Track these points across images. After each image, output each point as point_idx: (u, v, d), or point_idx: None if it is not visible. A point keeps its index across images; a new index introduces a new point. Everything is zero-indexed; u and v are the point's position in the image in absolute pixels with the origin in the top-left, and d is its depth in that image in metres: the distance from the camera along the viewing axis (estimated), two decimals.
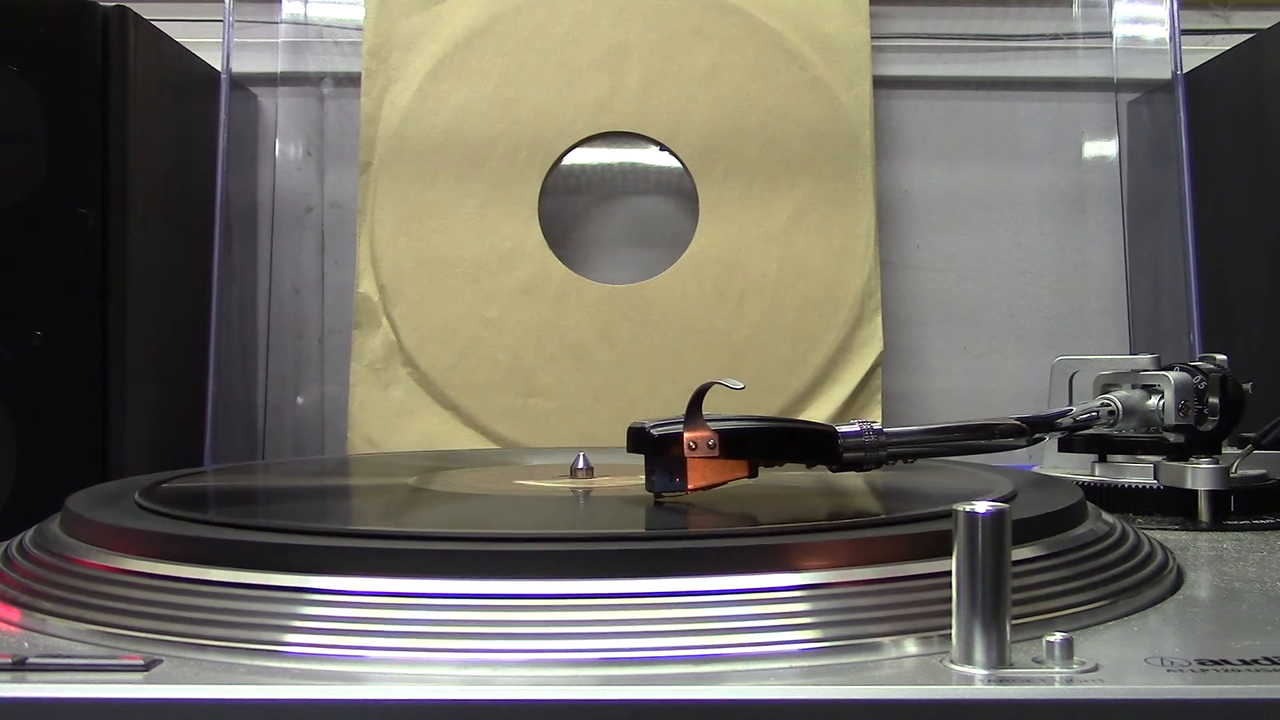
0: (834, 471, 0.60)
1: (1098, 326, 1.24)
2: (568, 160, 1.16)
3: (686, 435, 0.57)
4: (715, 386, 0.58)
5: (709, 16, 1.15)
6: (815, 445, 0.59)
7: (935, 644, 0.43)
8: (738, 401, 0.61)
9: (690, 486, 0.57)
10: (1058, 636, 0.41)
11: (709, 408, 0.58)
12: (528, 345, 1.12)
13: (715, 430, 0.57)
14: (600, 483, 0.67)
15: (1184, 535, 0.67)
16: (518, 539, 0.47)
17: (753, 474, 0.59)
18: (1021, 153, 1.26)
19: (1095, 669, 0.40)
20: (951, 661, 0.41)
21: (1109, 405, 0.72)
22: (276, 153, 1.23)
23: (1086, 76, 1.24)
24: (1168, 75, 1.17)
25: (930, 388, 1.25)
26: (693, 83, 1.14)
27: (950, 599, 0.41)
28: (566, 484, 0.68)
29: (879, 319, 1.14)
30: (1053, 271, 1.25)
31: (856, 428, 0.60)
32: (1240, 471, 0.71)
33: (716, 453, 0.57)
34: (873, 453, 0.60)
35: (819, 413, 1.12)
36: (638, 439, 0.58)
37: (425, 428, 1.12)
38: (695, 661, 0.41)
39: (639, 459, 0.58)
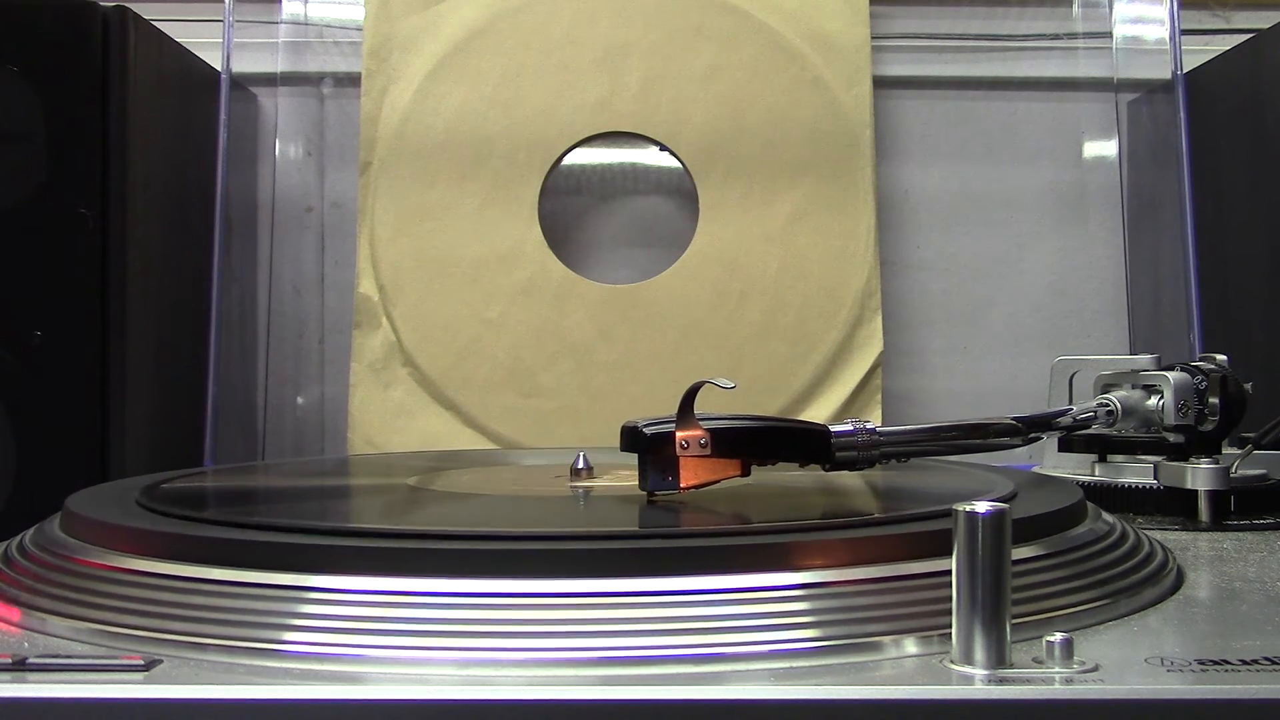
0: (827, 470, 0.60)
1: (1098, 326, 1.24)
2: (568, 160, 1.16)
3: (678, 434, 0.57)
4: (707, 386, 0.58)
5: (709, 16, 1.15)
6: (808, 444, 0.60)
7: (935, 644, 0.43)
8: (736, 401, 0.61)
9: (683, 485, 0.57)
10: (1058, 636, 0.41)
11: (709, 408, 0.58)
12: (528, 345, 1.12)
13: (707, 429, 0.57)
14: (600, 482, 0.67)
15: (1184, 535, 0.67)
16: (517, 538, 0.47)
17: (745, 473, 0.59)
18: (1021, 153, 1.26)
19: (1095, 669, 0.40)
20: (951, 661, 0.41)
21: (1107, 405, 0.72)
22: (276, 153, 1.23)
23: (1086, 76, 1.24)
24: (1168, 75, 1.17)
25: (930, 388, 1.25)
26: (693, 83, 1.14)
27: (950, 598, 0.41)
28: (566, 484, 0.68)
29: (879, 319, 1.14)
30: (1053, 271, 1.25)
31: (849, 427, 0.60)
32: (1240, 471, 0.71)
33: (708, 451, 0.57)
34: (865, 452, 0.60)
35: (819, 413, 1.12)
36: (631, 438, 0.58)
37: (425, 428, 1.12)
38: (695, 661, 0.41)
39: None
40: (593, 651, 0.41)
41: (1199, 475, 0.70)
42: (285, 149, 1.23)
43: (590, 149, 1.18)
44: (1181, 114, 1.15)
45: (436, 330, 1.12)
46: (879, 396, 1.14)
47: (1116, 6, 1.23)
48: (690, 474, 0.57)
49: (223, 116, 1.15)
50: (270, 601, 0.44)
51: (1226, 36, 1.23)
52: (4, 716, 0.39)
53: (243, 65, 1.19)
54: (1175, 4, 1.17)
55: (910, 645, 0.43)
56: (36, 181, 0.93)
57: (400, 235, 1.13)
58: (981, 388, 1.24)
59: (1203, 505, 0.70)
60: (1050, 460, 0.82)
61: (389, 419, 1.12)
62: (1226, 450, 0.74)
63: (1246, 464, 0.71)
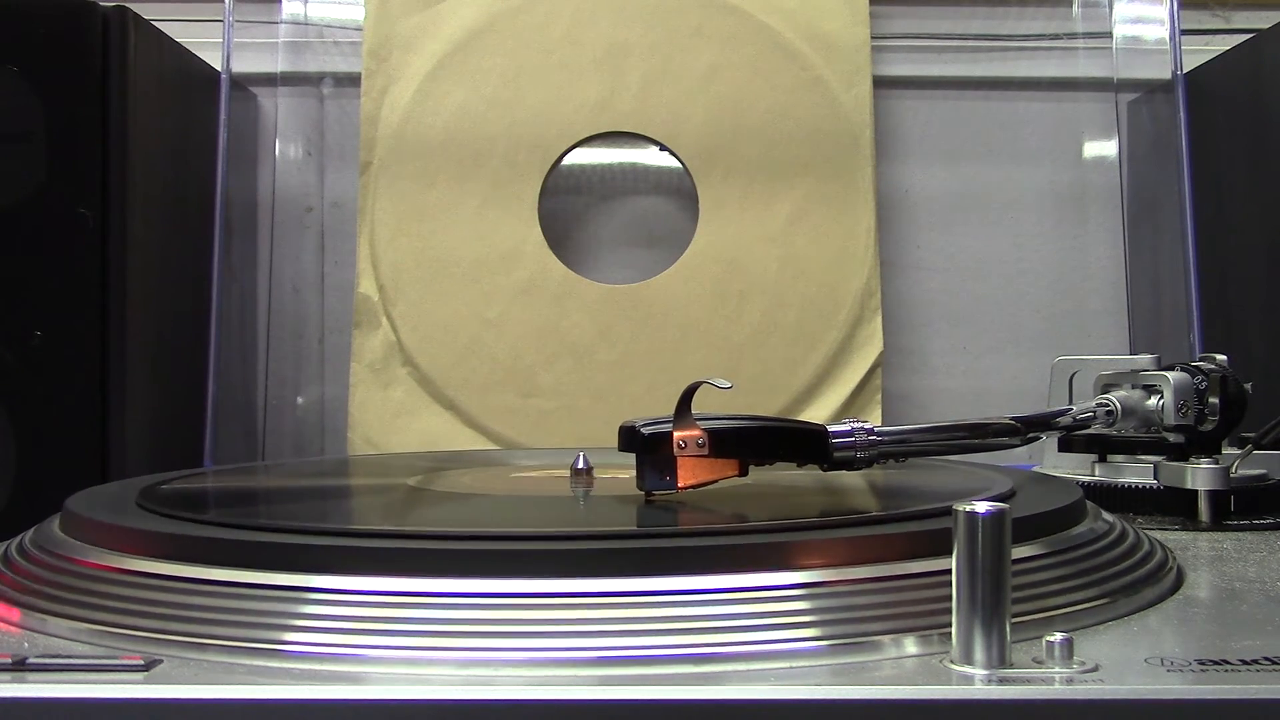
0: (825, 470, 0.60)
1: (1098, 326, 1.24)
2: (568, 160, 1.16)
3: (676, 434, 0.57)
4: (706, 386, 0.58)
5: (709, 16, 1.15)
6: (805, 444, 0.60)
7: (935, 643, 0.43)
8: (735, 401, 0.61)
9: (680, 485, 0.57)
10: (1058, 636, 0.41)
11: (708, 408, 0.58)
12: (528, 345, 1.12)
13: (705, 429, 0.57)
14: (600, 482, 0.67)
15: (1184, 535, 0.67)
16: (517, 538, 0.47)
17: (743, 472, 0.59)
18: (1021, 153, 1.26)
19: (1095, 669, 0.40)
20: (951, 661, 0.41)
21: (1107, 405, 0.72)
22: (276, 153, 1.23)
23: (1086, 76, 1.24)
24: (1168, 75, 1.17)
25: (930, 388, 1.25)
26: (693, 83, 1.14)
27: (950, 598, 0.41)
28: (566, 484, 0.68)
29: (879, 319, 1.14)
30: (1053, 271, 1.25)
31: (847, 427, 0.60)
32: (1240, 471, 0.71)
33: (706, 451, 0.57)
34: (863, 452, 0.60)
35: (819, 413, 1.12)
36: (628, 438, 0.58)
37: (425, 428, 1.12)
38: (695, 661, 0.41)
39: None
40: (592, 651, 0.41)
41: (1199, 475, 0.70)
42: (285, 149, 1.23)
43: (590, 149, 1.18)
44: (1181, 114, 1.15)
45: (436, 330, 1.12)
46: (879, 396, 1.14)
47: (1116, 6, 1.23)
48: (688, 474, 0.57)
49: (223, 116, 1.15)
50: (271, 602, 0.44)
51: (1226, 36, 1.23)
52: (4, 716, 0.39)
53: (243, 65, 1.19)
54: (1175, 4, 1.17)
55: (910, 645, 0.43)
56: (36, 181, 0.93)
57: (400, 235, 1.13)
58: (981, 388, 1.24)
59: (1203, 505, 0.70)
60: (1050, 460, 0.82)
61: (389, 419, 1.12)
62: (1226, 450, 0.74)
63: (1246, 464, 0.71)
